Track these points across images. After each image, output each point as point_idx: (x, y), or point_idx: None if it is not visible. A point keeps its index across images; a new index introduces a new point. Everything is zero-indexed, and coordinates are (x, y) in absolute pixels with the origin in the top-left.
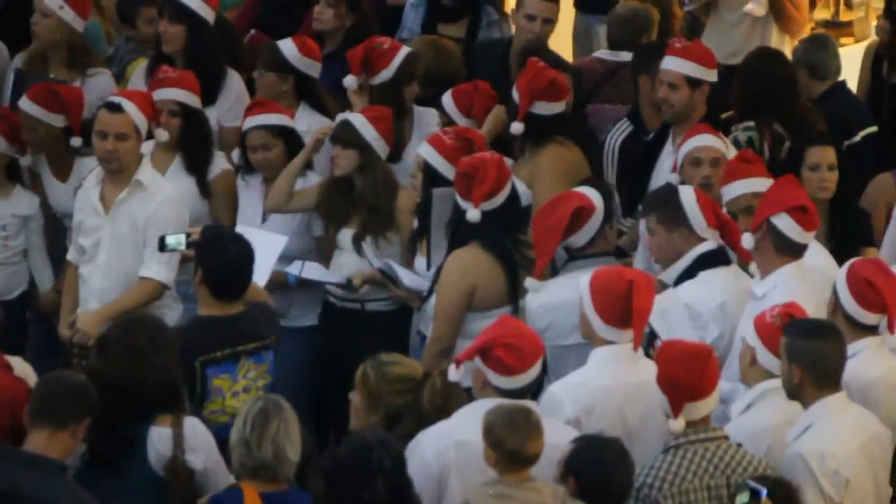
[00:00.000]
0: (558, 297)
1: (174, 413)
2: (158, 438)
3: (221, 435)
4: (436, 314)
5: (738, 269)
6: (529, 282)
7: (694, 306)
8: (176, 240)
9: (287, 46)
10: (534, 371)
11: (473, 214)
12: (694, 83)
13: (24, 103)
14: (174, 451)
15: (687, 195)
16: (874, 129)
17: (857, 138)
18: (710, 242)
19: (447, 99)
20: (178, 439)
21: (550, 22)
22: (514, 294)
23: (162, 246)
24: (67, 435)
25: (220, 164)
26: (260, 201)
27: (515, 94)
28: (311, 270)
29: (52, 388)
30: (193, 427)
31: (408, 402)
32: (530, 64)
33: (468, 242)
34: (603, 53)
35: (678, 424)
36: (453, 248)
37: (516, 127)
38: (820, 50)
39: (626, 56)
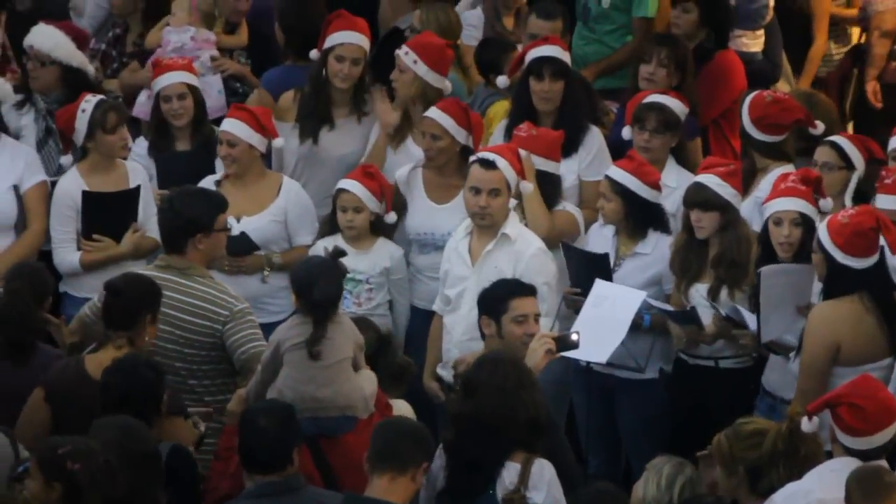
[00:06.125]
0: None
1: (528, 451)
2: (507, 473)
3: None
4: (801, 368)
5: None
6: None
7: None
8: None
9: (675, 105)
10: (883, 435)
11: None
12: None
13: (434, 112)
14: (518, 486)
15: None
16: None
17: None
18: None
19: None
20: (525, 475)
21: None
22: (894, 347)
23: None
24: (408, 479)
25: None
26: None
27: None
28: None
29: (391, 434)
30: (542, 467)
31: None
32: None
33: (850, 293)
34: None
35: None
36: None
37: None
38: None
39: None
